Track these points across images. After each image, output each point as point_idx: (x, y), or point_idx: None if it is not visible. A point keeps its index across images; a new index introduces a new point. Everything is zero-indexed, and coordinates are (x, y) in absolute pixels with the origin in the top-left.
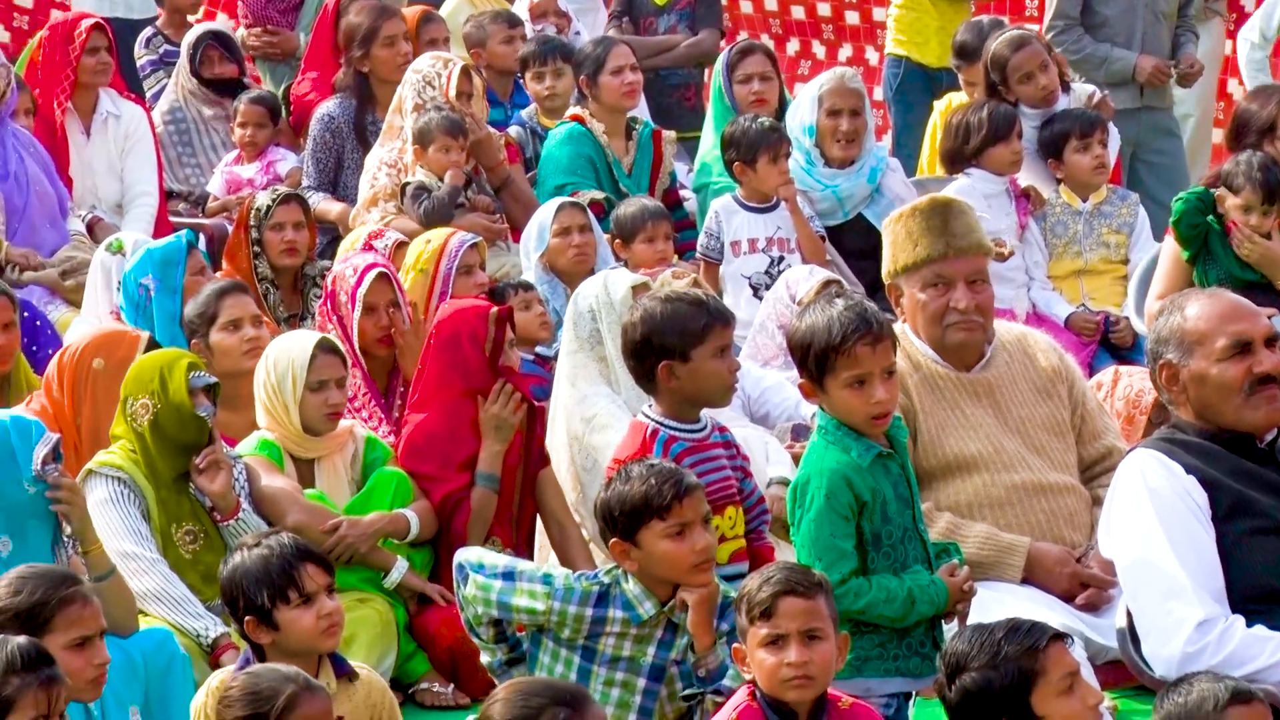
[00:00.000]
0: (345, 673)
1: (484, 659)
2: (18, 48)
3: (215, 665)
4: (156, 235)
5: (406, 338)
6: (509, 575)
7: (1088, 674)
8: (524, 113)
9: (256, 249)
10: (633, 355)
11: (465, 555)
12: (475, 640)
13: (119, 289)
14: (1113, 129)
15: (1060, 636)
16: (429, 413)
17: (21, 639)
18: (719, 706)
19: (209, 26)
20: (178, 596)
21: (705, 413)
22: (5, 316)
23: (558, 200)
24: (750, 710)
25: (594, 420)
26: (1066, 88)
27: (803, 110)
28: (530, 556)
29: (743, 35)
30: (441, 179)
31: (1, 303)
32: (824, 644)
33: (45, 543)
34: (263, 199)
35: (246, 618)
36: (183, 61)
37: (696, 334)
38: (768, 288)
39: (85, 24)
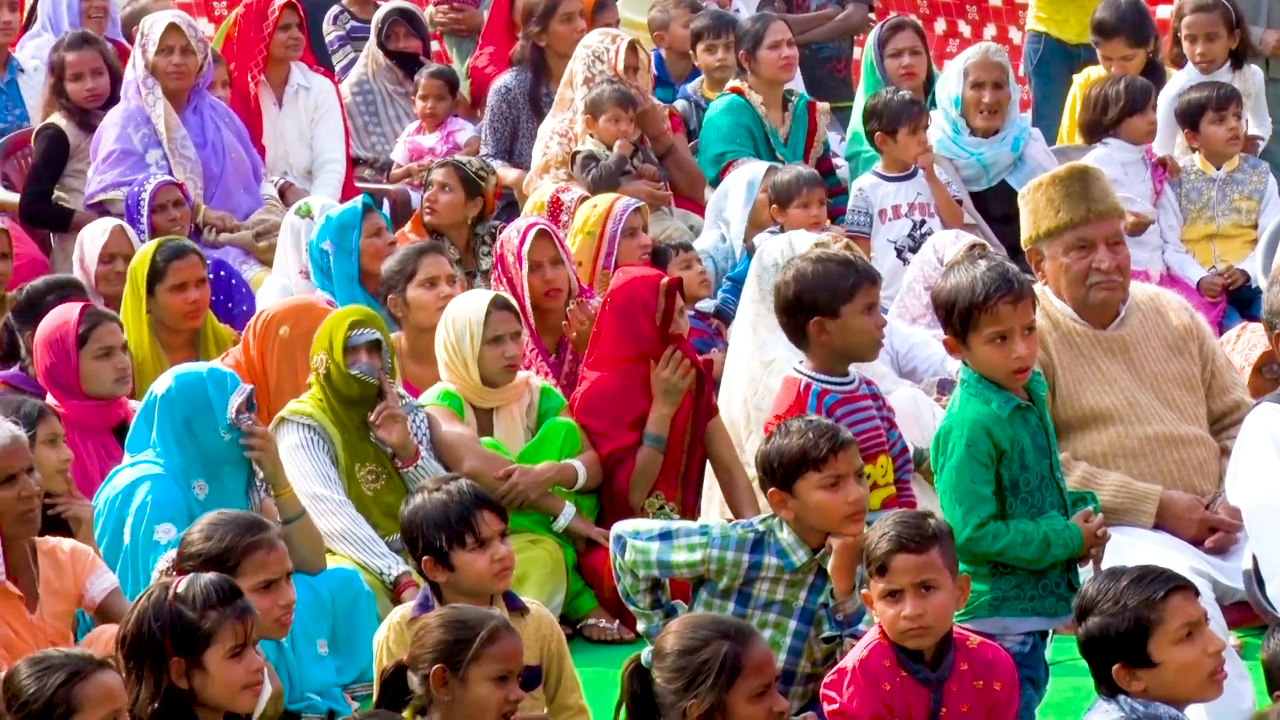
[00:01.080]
0: (517, 607)
1: (640, 626)
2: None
3: (397, 601)
4: (344, 199)
5: (575, 324)
6: (665, 535)
7: (1215, 615)
8: (689, 87)
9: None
10: (785, 312)
11: (620, 527)
12: (632, 609)
13: (307, 251)
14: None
15: (1183, 587)
16: (603, 373)
17: (213, 575)
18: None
19: (398, 3)
20: (363, 536)
21: (853, 367)
22: (198, 274)
23: (763, 163)
24: (880, 648)
25: (773, 365)
26: (1239, 63)
27: (950, 83)
28: (696, 511)
29: (892, 15)
30: (610, 148)
31: (194, 261)
32: (939, 594)
33: (240, 487)
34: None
35: (424, 557)
36: (372, 36)
37: (846, 292)
38: (911, 250)
39: (278, 2)
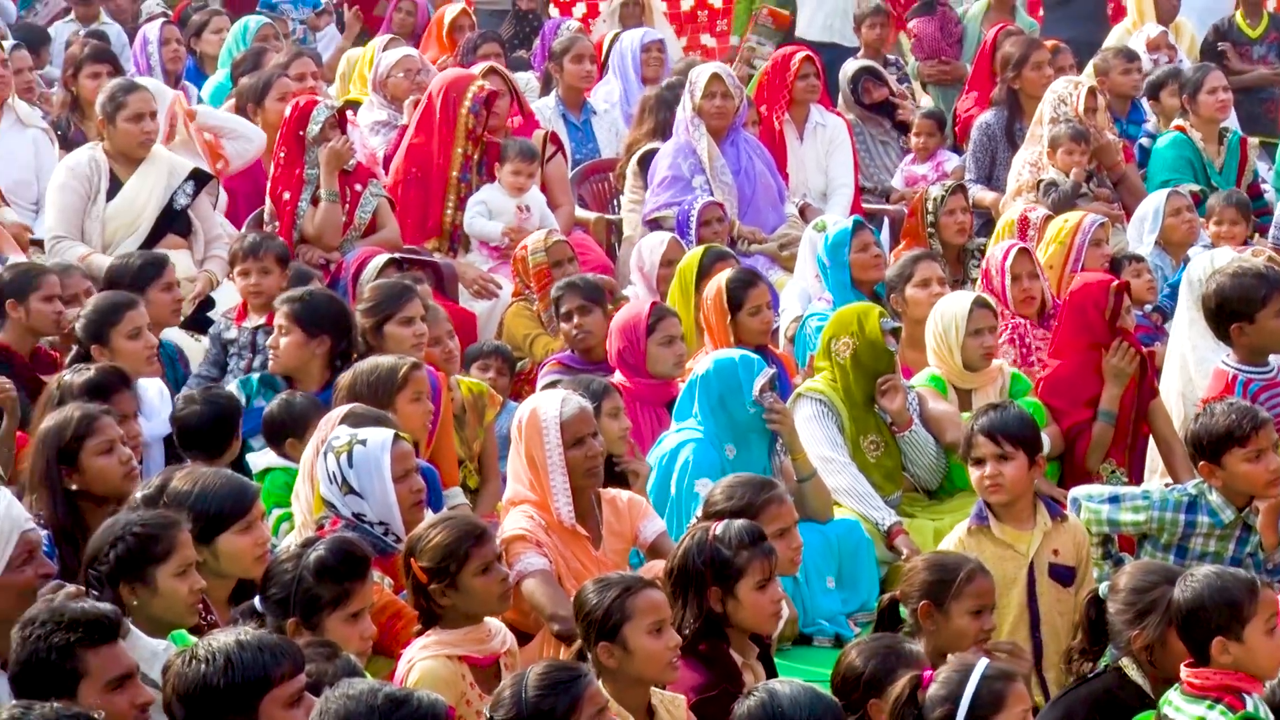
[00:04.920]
0: (1056, 514)
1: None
2: None
3: (890, 547)
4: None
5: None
6: (1114, 499)
7: None
8: (1147, 126)
9: (931, 229)
10: (1211, 318)
11: (1076, 491)
12: None
13: (815, 262)
14: None
15: None
16: (1063, 360)
17: (744, 520)
18: None
19: (863, 63)
20: (864, 492)
21: (1274, 357)
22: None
23: (1164, 191)
24: None
25: (1203, 367)
26: None
27: None
28: (1141, 476)
29: None
30: (1069, 175)
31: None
32: None
33: (763, 451)
34: (936, 190)
35: None
36: (845, 92)
37: (1259, 300)
38: None
39: (798, 56)
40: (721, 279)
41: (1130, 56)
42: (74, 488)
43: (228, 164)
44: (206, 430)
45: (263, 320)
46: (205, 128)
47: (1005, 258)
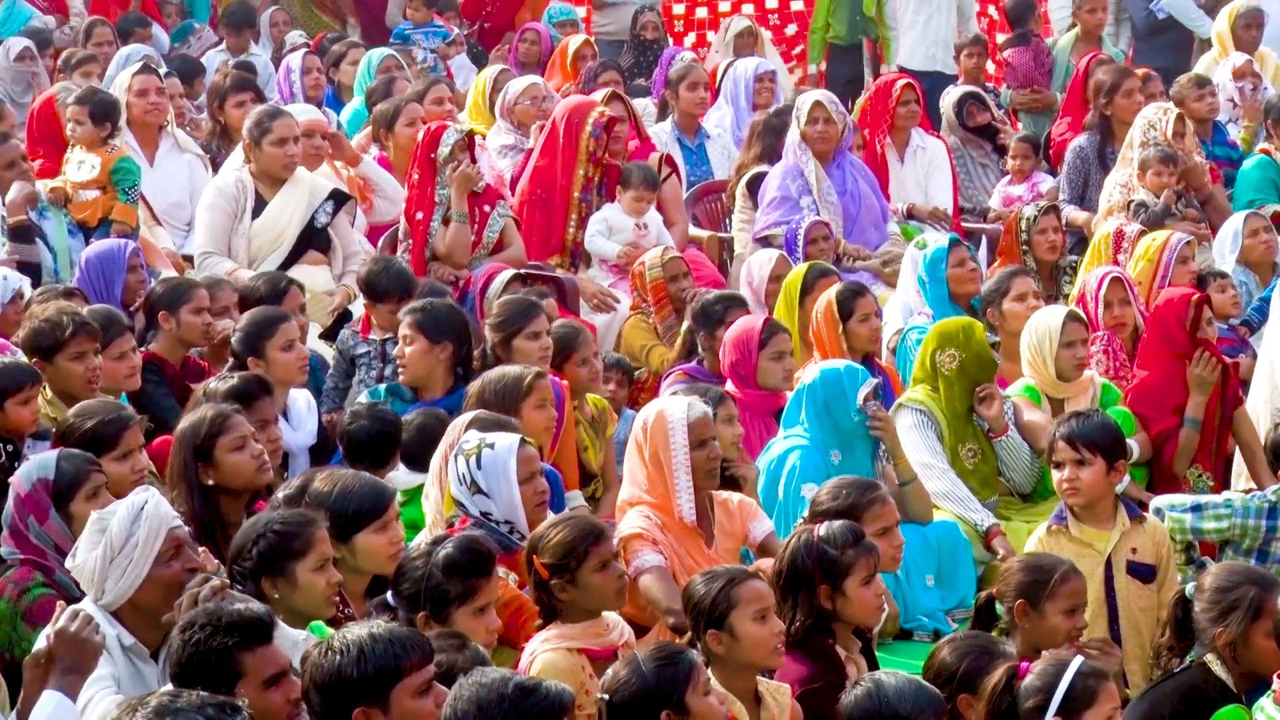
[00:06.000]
0: (1135, 515)
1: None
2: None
3: (988, 548)
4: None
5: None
6: (1196, 508)
7: None
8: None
9: (1025, 247)
10: None
11: (1158, 501)
12: None
13: (915, 279)
14: None
15: None
16: (1149, 371)
17: (843, 521)
18: None
19: (967, 88)
20: (962, 496)
21: None
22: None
23: (1244, 212)
24: None
25: None
26: None
27: None
28: (1228, 480)
29: None
30: (1157, 197)
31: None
32: None
33: (866, 457)
34: (1029, 210)
35: None
36: (949, 116)
37: None
38: None
39: (900, 84)
40: (831, 291)
41: (1201, 83)
42: (210, 483)
43: (371, 210)
44: (372, 443)
45: (390, 334)
46: (363, 176)
47: (1100, 286)
